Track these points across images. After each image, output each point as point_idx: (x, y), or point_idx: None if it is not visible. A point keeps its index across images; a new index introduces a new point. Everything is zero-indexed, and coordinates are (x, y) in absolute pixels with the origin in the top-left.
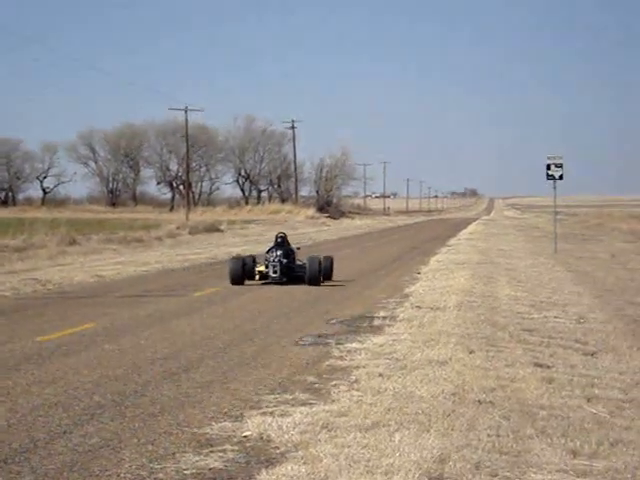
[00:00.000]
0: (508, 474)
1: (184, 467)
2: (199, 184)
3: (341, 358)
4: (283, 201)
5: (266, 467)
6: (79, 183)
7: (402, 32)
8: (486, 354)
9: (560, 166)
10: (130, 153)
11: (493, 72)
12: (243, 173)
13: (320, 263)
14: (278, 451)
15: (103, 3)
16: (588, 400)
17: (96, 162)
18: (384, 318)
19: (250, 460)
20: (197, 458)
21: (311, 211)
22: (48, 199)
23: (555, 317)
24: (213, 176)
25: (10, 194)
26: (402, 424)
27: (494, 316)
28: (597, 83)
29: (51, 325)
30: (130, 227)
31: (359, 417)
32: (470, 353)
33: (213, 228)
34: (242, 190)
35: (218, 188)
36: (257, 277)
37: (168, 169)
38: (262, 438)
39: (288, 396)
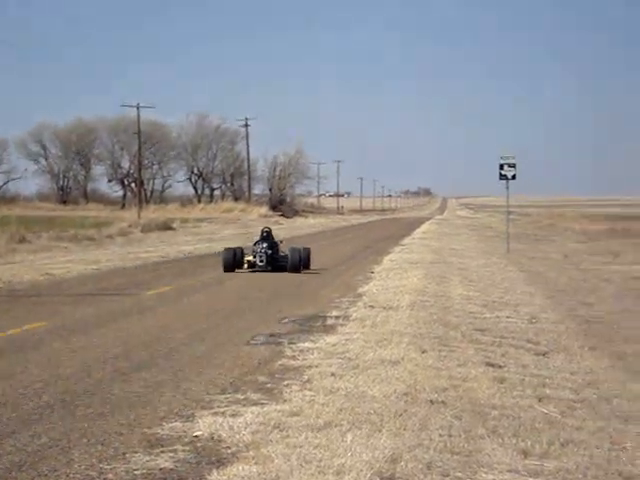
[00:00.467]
0: (459, 474)
1: (134, 467)
2: (151, 182)
3: (293, 358)
4: (236, 199)
5: (217, 467)
6: (29, 180)
7: (357, 30)
8: (438, 354)
9: (513, 166)
10: (81, 150)
11: (448, 71)
12: (196, 171)
13: (300, 254)
14: (229, 451)
15: None
16: (539, 400)
17: (47, 159)
18: (337, 317)
19: (201, 460)
20: (147, 458)
21: (264, 209)
22: None
23: (507, 317)
24: (165, 174)
25: None
26: (354, 424)
27: (447, 316)
28: (552, 83)
29: (0, 324)
30: (81, 225)
31: (311, 417)
32: (422, 353)
33: (165, 226)
34: (195, 188)
35: (170, 186)
36: (245, 266)
37: (120, 166)
38: (213, 438)
39: (240, 396)
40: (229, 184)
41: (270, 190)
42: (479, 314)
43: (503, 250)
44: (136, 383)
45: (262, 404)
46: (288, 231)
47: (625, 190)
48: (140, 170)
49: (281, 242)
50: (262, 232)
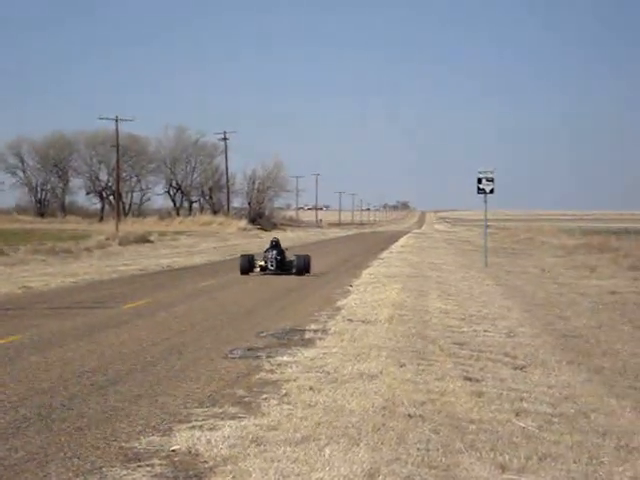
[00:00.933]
0: None
1: None
2: (129, 194)
3: (272, 371)
4: (215, 213)
5: None
6: (7, 193)
7: (336, 42)
8: (417, 368)
9: (491, 180)
10: (59, 163)
11: (427, 85)
12: (174, 184)
13: (304, 260)
14: (207, 465)
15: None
16: (517, 414)
17: (24, 171)
18: (315, 331)
19: (178, 475)
20: (124, 472)
21: (243, 223)
22: None
23: (485, 331)
24: (144, 187)
25: None
26: (332, 438)
27: (425, 330)
28: (531, 97)
29: None
30: (59, 238)
31: (289, 431)
32: (401, 367)
33: (143, 239)
34: (173, 201)
35: (149, 199)
36: (258, 269)
37: (98, 179)
38: (191, 452)
39: (217, 410)
40: (208, 197)
41: (249, 203)
42: (457, 328)
43: (481, 264)
44: (113, 397)
45: (240, 418)
46: (266, 245)
47: (604, 205)
48: (118, 183)
49: (286, 249)
50: (271, 242)
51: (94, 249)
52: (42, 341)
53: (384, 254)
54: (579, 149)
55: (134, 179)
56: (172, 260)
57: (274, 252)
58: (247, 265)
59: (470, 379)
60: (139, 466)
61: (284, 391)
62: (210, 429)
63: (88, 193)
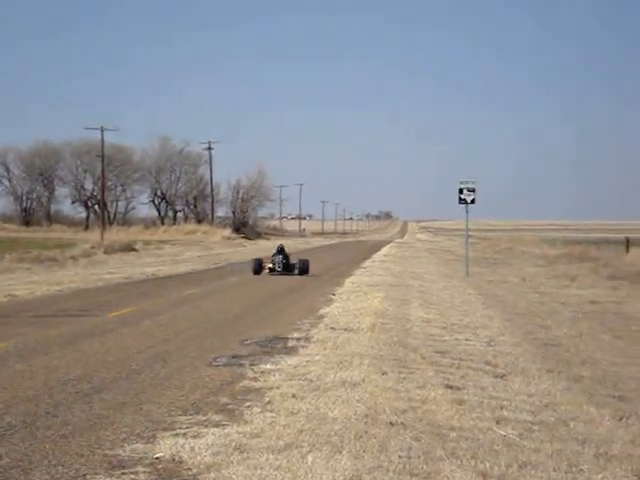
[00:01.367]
0: None
1: None
2: (114, 203)
3: (255, 379)
4: (199, 222)
5: None
6: None
7: (318, 52)
8: (398, 376)
9: (473, 190)
10: (45, 172)
11: (411, 96)
12: (159, 193)
13: (305, 263)
14: (190, 473)
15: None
16: (498, 422)
17: (10, 180)
18: (298, 339)
19: None
20: None
21: (227, 232)
22: None
23: (466, 340)
24: (129, 196)
25: None
26: (315, 445)
27: (407, 338)
28: (513, 106)
29: None
30: (44, 246)
31: (272, 438)
32: (383, 375)
33: (128, 248)
34: (158, 210)
35: (134, 208)
36: (267, 271)
37: (83, 188)
38: (174, 460)
39: (201, 417)
40: (192, 206)
41: (233, 213)
42: (439, 337)
43: (462, 273)
44: (97, 404)
45: (223, 425)
46: (251, 253)
47: (586, 215)
48: (103, 192)
49: (290, 254)
50: (278, 248)
51: (79, 257)
52: (27, 349)
53: (367, 263)
54: (561, 160)
55: (119, 188)
56: (157, 269)
57: (280, 256)
58: (258, 267)
59: (451, 387)
60: (123, 473)
61: (267, 399)
62: (194, 437)
63: (73, 202)
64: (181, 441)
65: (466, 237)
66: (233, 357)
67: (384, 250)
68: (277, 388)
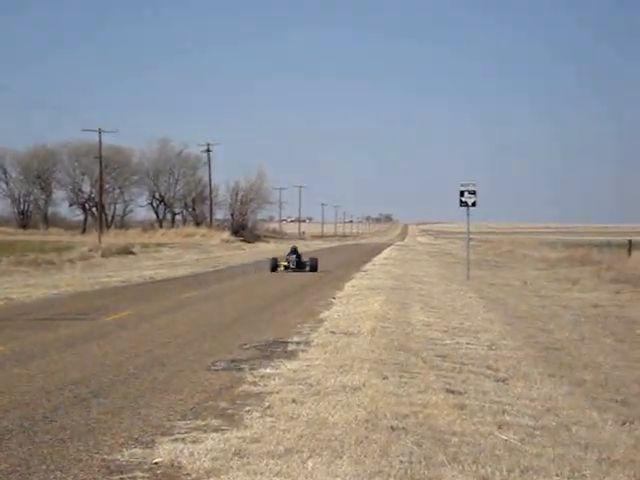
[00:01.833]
0: None
1: None
2: (112, 206)
3: (254, 384)
4: (198, 224)
5: None
6: None
7: (319, 52)
8: (399, 380)
9: (473, 193)
10: (42, 174)
11: (411, 99)
12: (157, 196)
13: (315, 261)
14: (189, 478)
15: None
16: (499, 427)
17: (7, 183)
18: (298, 343)
19: None
20: None
21: (226, 235)
22: None
23: (467, 343)
24: (127, 198)
25: None
26: (315, 451)
27: (407, 342)
28: (514, 110)
29: None
30: (41, 249)
31: (272, 443)
32: (383, 379)
33: (126, 251)
34: (156, 213)
35: (132, 210)
36: (282, 268)
37: (81, 191)
38: (173, 465)
39: (200, 422)
40: (191, 209)
41: (232, 215)
42: (440, 340)
43: (463, 277)
44: (95, 409)
45: (223, 430)
46: (250, 256)
47: (588, 218)
48: (101, 195)
49: (302, 254)
50: (292, 248)
51: (77, 261)
52: (24, 353)
53: (367, 266)
54: (562, 163)
55: (117, 191)
56: (155, 272)
57: (294, 256)
58: (274, 265)
59: (452, 392)
60: (121, 479)
61: (267, 403)
62: (193, 442)
63: (71, 205)
64: (180, 446)
65: (467, 240)
66: (232, 361)
67: (384, 253)
68: (277, 393)
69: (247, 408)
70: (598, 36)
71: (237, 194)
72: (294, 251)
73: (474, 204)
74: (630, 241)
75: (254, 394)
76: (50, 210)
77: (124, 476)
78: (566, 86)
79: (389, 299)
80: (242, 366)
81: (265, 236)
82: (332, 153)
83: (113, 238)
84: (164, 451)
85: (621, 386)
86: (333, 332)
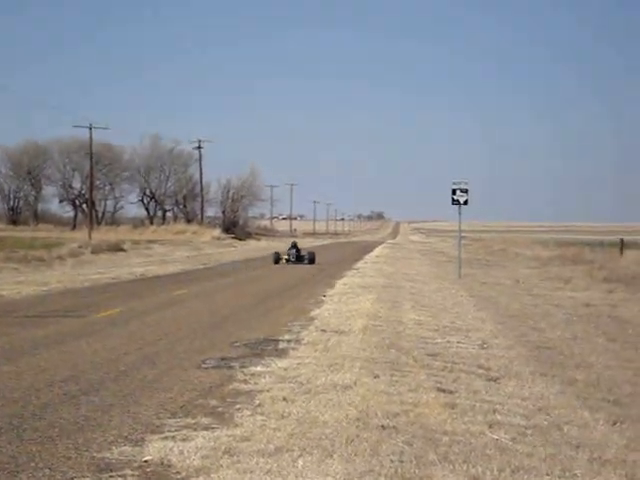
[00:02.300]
0: None
1: None
2: (103, 203)
3: (245, 382)
4: (189, 221)
5: None
6: None
7: (311, 51)
8: (390, 379)
9: (465, 191)
10: (32, 170)
11: (404, 98)
12: (148, 192)
13: (312, 255)
14: (179, 476)
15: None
16: (490, 426)
17: None
18: (289, 341)
19: None
20: None
21: (217, 232)
22: None
23: (458, 342)
24: (118, 195)
25: None
26: (305, 449)
27: (399, 340)
28: (514, 110)
29: None
30: (31, 246)
31: (262, 442)
32: (374, 378)
33: (117, 248)
34: (147, 210)
35: (122, 207)
36: (283, 261)
37: (71, 187)
38: (163, 463)
39: (190, 420)
40: (182, 206)
41: (223, 212)
42: (431, 339)
43: (455, 275)
44: (85, 406)
45: (213, 429)
46: (240, 254)
47: (581, 217)
48: (92, 191)
49: (301, 249)
50: (292, 244)
51: (67, 257)
52: (14, 350)
53: (358, 264)
54: (562, 163)
55: (108, 187)
56: (145, 269)
57: (294, 250)
58: (277, 258)
59: (443, 390)
60: (111, 477)
61: (257, 402)
62: (183, 440)
63: (61, 201)
64: (170, 444)
65: (458, 238)
66: (222, 359)
67: (376, 251)
68: (267, 391)
69: (237, 406)
70: (598, 36)
71: (228, 191)
72: (294, 246)
73: (466, 202)
74: (622, 240)
75: (244, 392)
76: (40, 206)
77: (113, 474)
78: (566, 86)
79: (380, 297)
80: (232, 364)
81: (256, 233)
82: (326, 152)
83: (103, 235)
84: (154, 449)
85: (613, 386)
86: (324, 330)
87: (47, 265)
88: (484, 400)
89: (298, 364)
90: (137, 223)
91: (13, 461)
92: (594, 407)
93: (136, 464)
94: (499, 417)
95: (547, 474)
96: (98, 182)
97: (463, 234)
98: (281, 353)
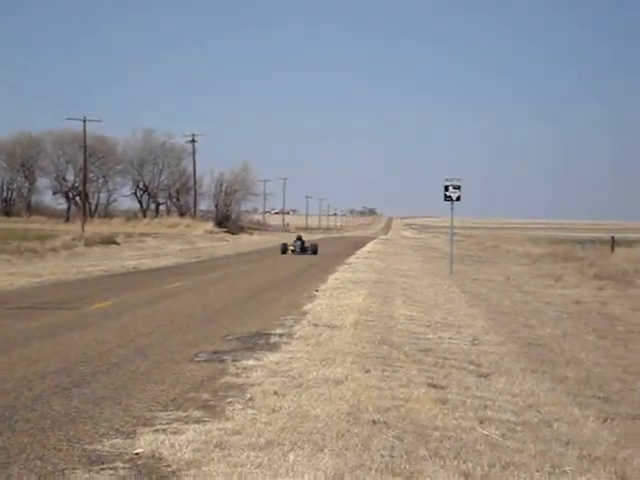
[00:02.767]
0: None
1: None
2: (96, 195)
3: (237, 375)
4: (182, 215)
5: None
6: None
7: (304, 46)
8: (382, 374)
9: (458, 188)
10: (26, 162)
11: (396, 93)
12: (141, 185)
13: (315, 247)
14: (170, 469)
15: None
16: (481, 422)
17: None
18: (281, 335)
19: (141, 478)
20: (87, 475)
21: (210, 225)
22: None
23: (450, 338)
24: (111, 187)
25: None
26: (296, 443)
27: (390, 336)
28: (514, 110)
29: None
30: (24, 237)
31: (253, 436)
32: (366, 372)
33: (110, 240)
34: (140, 203)
35: (116, 200)
36: (290, 252)
37: (64, 179)
38: (154, 456)
39: (182, 413)
40: (175, 199)
41: (216, 206)
42: (422, 335)
43: (447, 271)
44: (77, 398)
45: (204, 422)
46: (233, 248)
47: (573, 215)
48: (85, 183)
49: (306, 241)
50: (297, 237)
51: (60, 249)
52: (6, 341)
53: (350, 259)
54: (555, 161)
55: (101, 180)
56: (138, 262)
57: (299, 242)
58: (284, 249)
59: (435, 386)
60: (102, 469)
61: (249, 395)
62: (174, 433)
63: (55, 193)
64: (161, 437)
65: (451, 234)
66: (215, 352)
67: (368, 246)
68: (259, 385)
69: (229, 400)
70: (598, 36)
71: (222, 185)
72: (299, 239)
73: (458, 198)
74: (613, 237)
75: (236, 386)
76: (34, 198)
77: (105, 466)
78: (566, 86)
79: (372, 292)
80: (224, 357)
81: (249, 227)
82: (321, 148)
83: (96, 227)
84: (145, 442)
85: (603, 383)
86: (316, 325)
87: (40, 257)
88: (475, 396)
89: (290, 358)
90: (130, 216)
91: (4, 452)
92: (584, 404)
93: (127, 457)
94: (490, 413)
95: (537, 470)
96: (91, 175)
97: (455, 230)
98: (273, 347)
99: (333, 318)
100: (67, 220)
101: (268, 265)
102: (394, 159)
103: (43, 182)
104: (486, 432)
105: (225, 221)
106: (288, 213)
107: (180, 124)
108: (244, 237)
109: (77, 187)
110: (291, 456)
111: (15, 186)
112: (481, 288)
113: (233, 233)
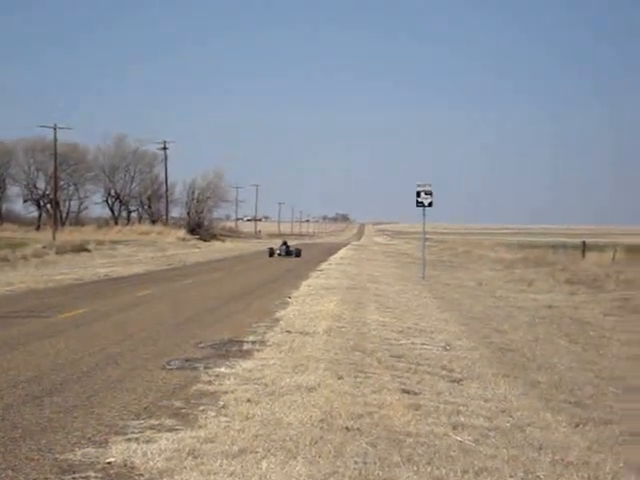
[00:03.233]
0: None
1: None
2: (67, 203)
3: (209, 383)
4: (153, 222)
5: None
6: None
7: (281, 51)
8: (354, 380)
9: (430, 194)
10: None
11: (368, 99)
12: (113, 193)
13: (299, 250)
14: (142, 478)
15: None
16: (454, 428)
17: None
18: (254, 342)
19: None
20: None
21: (182, 233)
22: None
23: (422, 344)
24: (82, 195)
25: None
26: (269, 451)
27: (363, 342)
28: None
29: None
30: None
31: (226, 443)
32: (339, 379)
33: (81, 248)
34: (112, 210)
35: (87, 207)
36: (276, 255)
37: (36, 187)
38: (126, 465)
39: (154, 422)
40: (146, 207)
41: (188, 213)
42: (395, 341)
43: (419, 277)
44: (48, 408)
45: (177, 430)
46: (205, 255)
47: (545, 219)
48: (56, 191)
49: (290, 245)
50: (283, 242)
51: (31, 258)
52: None
53: (323, 266)
54: (519, 164)
55: (72, 187)
56: (110, 269)
57: (284, 246)
58: (271, 252)
59: (407, 392)
60: (74, 478)
61: (221, 403)
62: (146, 441)
63: (25, 201)
64: (133, 446)
65: (423, 240)
66: (187, 360)
67: (341, 253)
68: (232, 392)
69: (201, 407)
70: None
71: (193, 192)
72: (284, 243)
73: (430, 204)
74: (584, 242)
75: (209, 393)
76: (4, 206)
77: (76, 476)
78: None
79: (345, 299)
80: (197, 365)
81: (221, 235)
82: (289, 152)
83: (68, 235)
84: (117, 451)
85: (575, 387)
86: (289, 331)
87: (11, 265)
88: (448, 402)
89: (263, 365)
90: (102, 223)
91: None
92: (556, 409)
93: (99, 466)
94: (463, 419)
95: (510, 476)
96: (62, 182)
97: (427, 236)
98: (246, 354)
99: (306, 325)
100: (38, 228)
101: (241, 271)
102: (366, 165)
103: (14, 190)
104: (459, 438)
105: (197, 228)
106: (260, 220)
107: (156, 131)
108: (216, 244)
109: (48, 195)
110: (264, 463)
111: None
112: (453, 293)
113: (205, 240)
